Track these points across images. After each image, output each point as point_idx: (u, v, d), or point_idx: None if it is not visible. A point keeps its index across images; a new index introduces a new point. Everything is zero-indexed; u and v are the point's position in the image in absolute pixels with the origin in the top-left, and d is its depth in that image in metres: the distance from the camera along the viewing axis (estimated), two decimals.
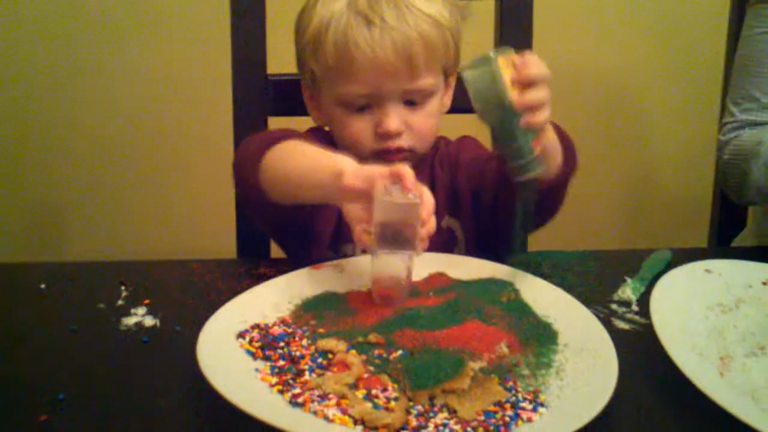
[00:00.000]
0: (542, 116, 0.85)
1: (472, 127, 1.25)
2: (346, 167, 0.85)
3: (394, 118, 1.05)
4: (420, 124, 1.08)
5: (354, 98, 1.06)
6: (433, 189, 1.15)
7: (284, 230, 1.14)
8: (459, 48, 1.11)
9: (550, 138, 0.93)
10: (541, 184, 0.92)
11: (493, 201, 1.08)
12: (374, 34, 1.02)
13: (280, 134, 1.01)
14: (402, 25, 1.02)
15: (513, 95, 0.83)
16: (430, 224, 0.85)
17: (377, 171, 0.82)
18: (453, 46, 1.09)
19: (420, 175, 1.14)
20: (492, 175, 1.07)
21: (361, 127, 1.08)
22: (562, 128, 0.98)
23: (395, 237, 0.81)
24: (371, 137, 1.07)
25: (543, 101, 0.85)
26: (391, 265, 0.83)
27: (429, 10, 1.05)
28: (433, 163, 1.18)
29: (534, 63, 0.85)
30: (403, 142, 1.08)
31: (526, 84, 0.84)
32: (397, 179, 0.81)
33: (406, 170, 0.81)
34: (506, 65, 0.84)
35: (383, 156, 1.08)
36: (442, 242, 1.12)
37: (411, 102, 1.07)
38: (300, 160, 0.94)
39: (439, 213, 1.14)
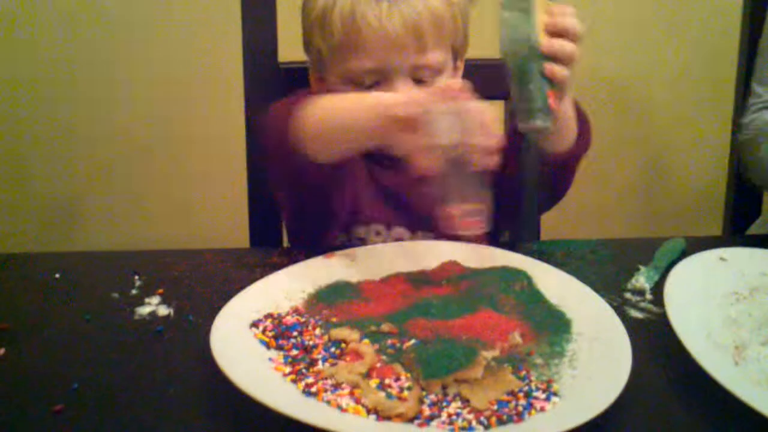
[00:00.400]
0: (565, 70, 0.85)
1: None
2: (391, 97, 0.84)
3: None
4: None
5: (361, 74, 1.04)
6: None
7: (306, 206, 1.12)
8: (467, 29, 1.10)
9: (568, 111, 0.92)
10: (550, 155, 0.91)
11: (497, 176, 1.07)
12: (382, 7, 1.01)
13: (306, 92, 1.00)
14: None
15: (542, 38, 0.84)
16: (491, 134, 0.80)
17: (424, 94, 0.81)
18: (461, 26, 1.08)
19: None
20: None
21: None
22: (582, 107, 0.97)
23: (457, 158, 0.78)
24: None
25: (569, 54, 0.85)
26: (463, 187, 0.80)
27: None
28: None
29: (570, 15, 0.85)
30: None
31: (557, 33, 0.84)
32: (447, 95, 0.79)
33: (454, 83, 0.79)
34: (543, 10, 0.85)
35: None
36: None
37: (419, 80, 1.06)
38: (342, 104, 0.93)
39: None
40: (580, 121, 0.96)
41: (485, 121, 0.79)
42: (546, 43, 0.84)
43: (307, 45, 1.12)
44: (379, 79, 1.05)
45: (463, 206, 0.80)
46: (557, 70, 0.85)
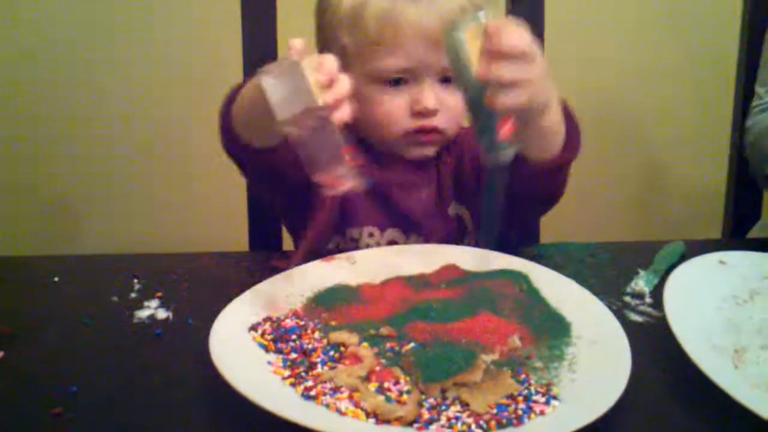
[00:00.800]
0: (512, 97, 0.75)
1: None
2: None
3: (432, 95, 1.03)
4: (454, 103, 1.05)
5: (392, 73, 1.03)
6: (439, 175, 1.15)
7: (291, 205, 1.12)
8: None
9: (551, 121, 0.87)
10: (535, 162, 0.89)
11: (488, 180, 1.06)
12: (422, 5, 0.99)
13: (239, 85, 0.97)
14: None
15: (478, 68, 0.73)
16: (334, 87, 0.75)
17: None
18: None
19: (428, 162, 1.14)
20: None
21: (396, 104, 1.04)
22: (571, 110, 0.93)
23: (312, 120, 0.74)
24: (406, 115, 1.05)
25: (513, 79, 0.74)
26: (327, 148, 0.76)
27: None
28: (440, 150, 1.17)
29: (511, 33, 0.74)
30: (438, 121, 1.05)
31: (497, 56, 0.73)
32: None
33: (293, 42, 0.75)
34: (480, 33, 0.74)
35: (417, 136, 1.06)
36: (451, 230, 1.12)
37: (445, 80, 1.04)
38: (245, 91, 0.91)
39: (446, 200, 1.14)
40: (568, 126, 0.92)
41: (325, 73, 0.75)
42: (480, 72, 0.74)
43: (327, 43, 1.09)
44: (408, 78, 1.03)
45: (332, 167, 0.76)
46: (500, 99, 0.74)
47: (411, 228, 1.10)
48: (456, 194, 1.14)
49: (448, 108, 1.05)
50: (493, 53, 0.74)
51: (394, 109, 1.05)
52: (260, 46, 1.25)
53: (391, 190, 1.11)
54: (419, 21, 1.00)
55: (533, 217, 1.23)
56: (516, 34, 0.74)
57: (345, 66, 1.06)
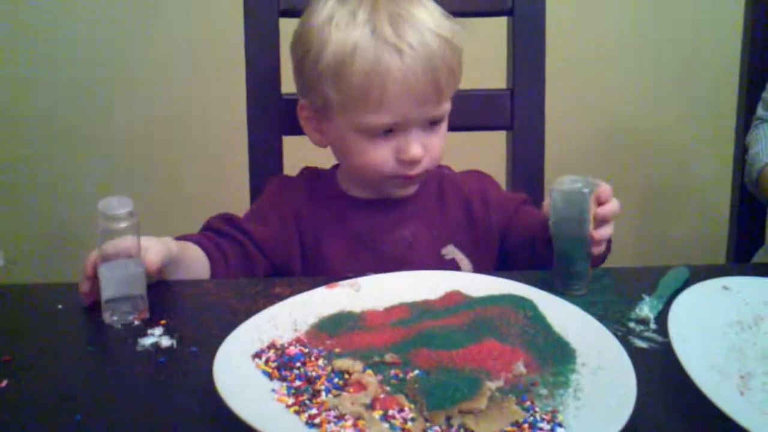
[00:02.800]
0: (608, 232, 0.97)
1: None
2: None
3: (418, 145, 1.05)
4: (436, 146, 1.09)
5: (379, 128, 1.05)
6: (442, 217, 1.16)
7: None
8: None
9: None
10: None
11: (524, 244, 1.10)
12: (406, 62, 1.00)
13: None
14: (427, 50, 1.02)
15: (591, 229, 0.92)
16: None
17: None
18: (461, 69, 1.09)
19: (424, 204, 1.15)
20: (531, 224, 1.10)
21: (382, 154, 1.07)
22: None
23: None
24: (392, 163, 1.07)
25: (609, 236, 0.97)
26: None
27: (444, 32, 1.04)
28: (442, 192, 1.18)
29: (613, 203, 0.95)
30: (422, 167, 1.08)
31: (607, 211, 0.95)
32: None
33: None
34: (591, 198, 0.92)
35: (400, 179, 1.09)
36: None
37: (431, 123, 1.07)
38: None
39: (437, 240, 1.14)
40: None
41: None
42: (596, 236, 0.93)
43: (309, 89, 1.10)
44: (394, 128, 1.05)
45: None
46: (598, 250, 0.96)
47: (397, 268, 1.09)
48: (455, 238, 1.15)
49: (432, 150, 1.08)
50: (600, 219, 0.95)
51: (380, 158, 1.07)
52: (263, 79, 1.26)
53: (369, 230, 1.13)
54: (405, 78, 1.01)
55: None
56: (615, 203, 0.95)
57: (327, 115, 1.08)
